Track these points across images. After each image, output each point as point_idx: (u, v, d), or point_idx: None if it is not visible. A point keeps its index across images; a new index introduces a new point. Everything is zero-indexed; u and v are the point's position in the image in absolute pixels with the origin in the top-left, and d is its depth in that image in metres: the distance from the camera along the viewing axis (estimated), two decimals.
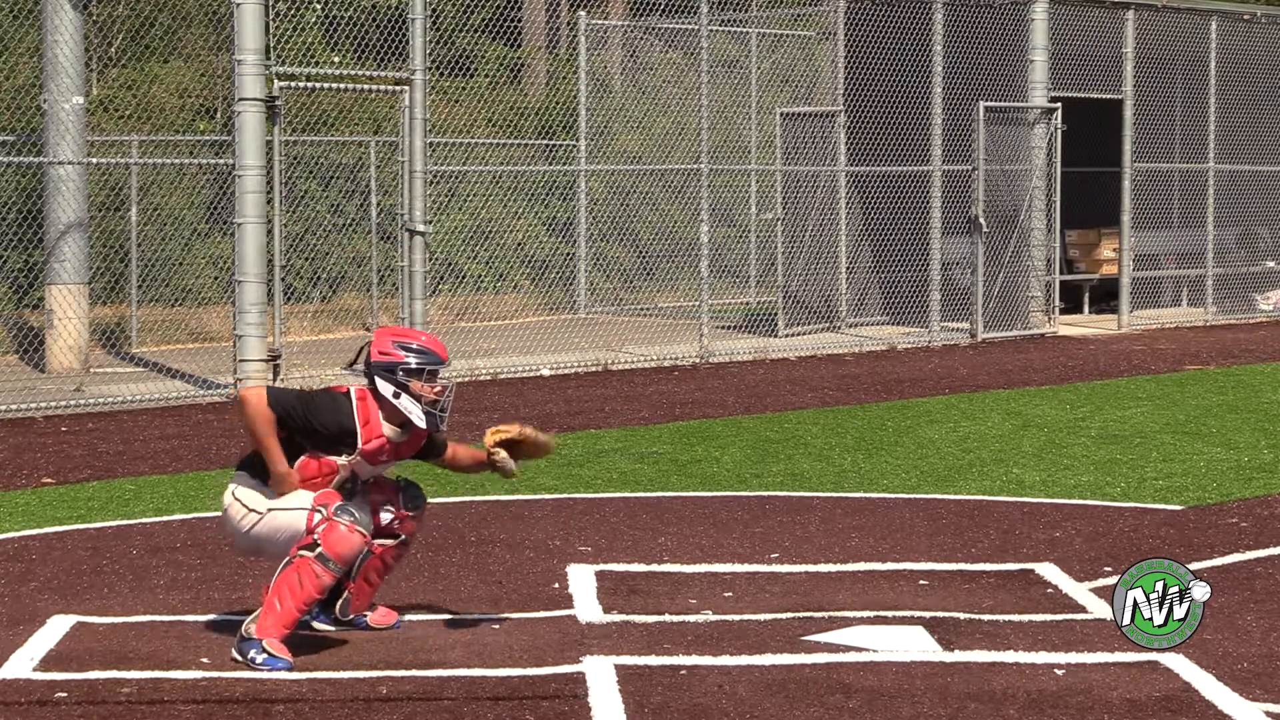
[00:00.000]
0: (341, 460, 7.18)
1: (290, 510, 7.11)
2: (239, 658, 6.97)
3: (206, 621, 7.61)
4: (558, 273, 22.56)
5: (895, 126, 20.24)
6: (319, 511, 7.06)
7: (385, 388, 7.19)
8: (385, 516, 7.37)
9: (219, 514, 7.41)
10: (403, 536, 7.47)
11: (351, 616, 7.46)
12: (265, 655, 6.92)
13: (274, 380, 15.17)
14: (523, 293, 22.28)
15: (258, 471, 7.18)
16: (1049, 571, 8.58)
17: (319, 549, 6.99)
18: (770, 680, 6.76)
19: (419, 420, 7.21)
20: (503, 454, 7.52)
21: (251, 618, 7.04)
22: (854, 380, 16.70)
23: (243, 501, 7.18)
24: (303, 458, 7.15)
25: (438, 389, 7.23)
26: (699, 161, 18.58)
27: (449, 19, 22.93)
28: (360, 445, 7.18)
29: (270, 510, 7.13)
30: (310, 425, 7.10)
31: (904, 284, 20.84)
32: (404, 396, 7.19)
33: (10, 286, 18.72)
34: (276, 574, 7.03)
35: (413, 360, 7.20)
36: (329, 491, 7.16)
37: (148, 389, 15.15)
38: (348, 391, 7.24)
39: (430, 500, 10.52)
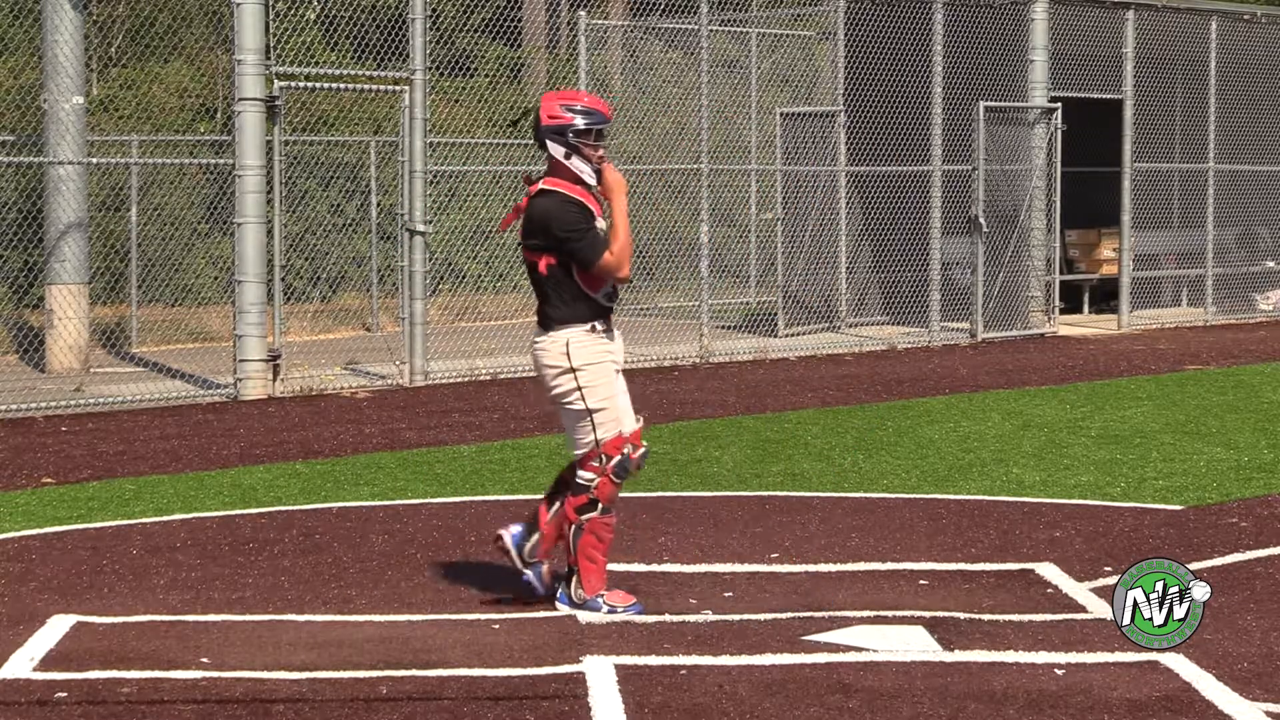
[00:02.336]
0: (600, 224, 7.64)
1: (596, 428, 7.56)
2: (595, 613, 7.58)
3: (206, 621, 7.61)
4: None
5: (895, 126, 20.24)
6: (601, 459, 7.55)
7: (557, 150, 7.58)
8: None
9: (537, 368, 7.71)
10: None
11: (539, 561, 7.84)
12: (621, 607, 7.61)
13: (274, 380, 15.18)
14: (523, 293, 22.27)
15: (595, 315, 7.59)
16: (1049, 571, 8.58)
17: (599, 505, 7.60)
18: (770, 680, 6.76)
19: (589, 178, 7.61)
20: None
21: (575, 584, 7.64)
22: (854, 380, 16.70)
23: (582, 387, 7.56)
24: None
25: (599, 151, 7.65)
26: (699, 161, 18.58)
27: (449, 19, 22.93)
28: (596, 212, 7.62)
29: (594, 411, 7.54)
30: (578, 231, 7.54)
31: (904, 284, 20.84)
32: (575, 157, 7.59)
33: (10, 286, 18.72)
34: (573, 541, 7.59)
35: (581, 121, 7.57)
36: (620, 438, 7.58)
37: (148, 389, 15.15)
38: (545, 191, 7.60)
39: (430, 500, 10.55)
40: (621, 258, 7.56)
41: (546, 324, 7.64)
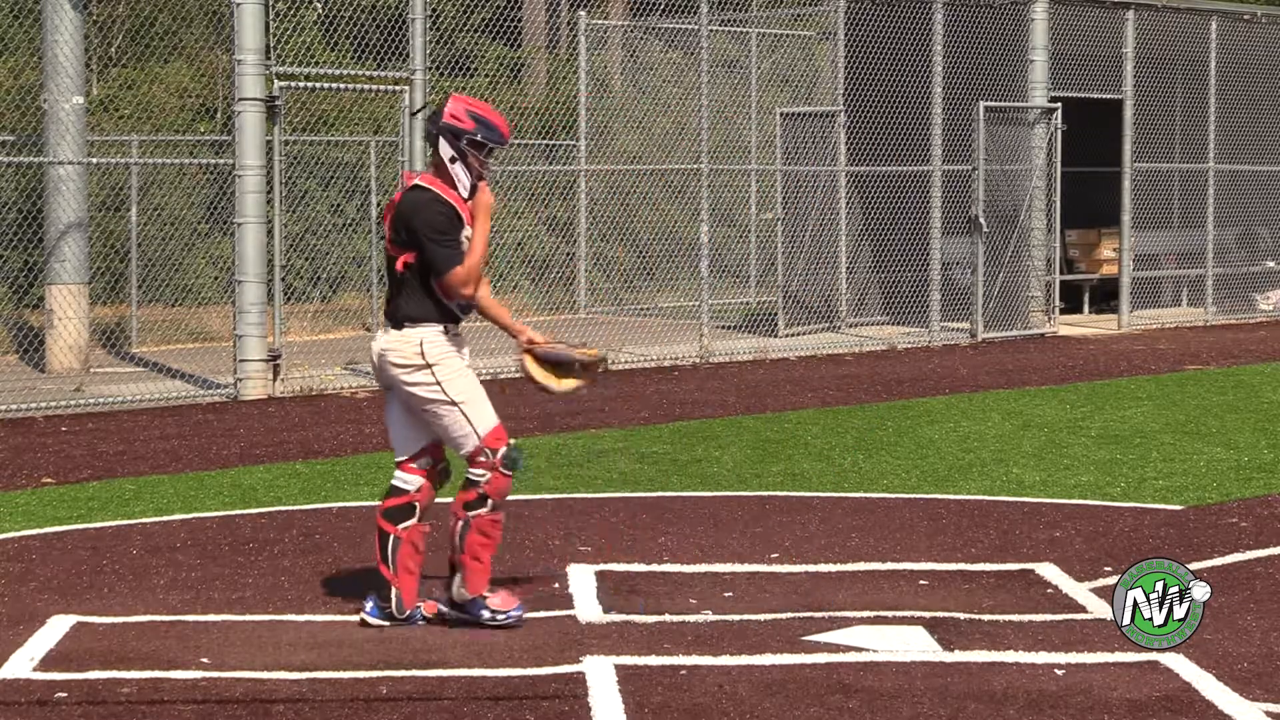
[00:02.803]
0: (465, 233, 7.43)
1: (472, 422, 7.38)
2: (469, 616, 7.41)
3: (206, 621, 7.61)
4: (558, 273, 22.56)
5: (895, 126, 20.24)
6: (486, 454, 7.38)
7: (445, 150, 7.43)
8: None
9: (379, 361, 7.46)
10: (442, 464, 7.69)
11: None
12: (502, 613, 7.43)
13: (274, 380, 15.18)
14: (522, 293, 22.28)
15: (446, 318, 7.42)
16: (1049, 571, 8.58)
17: (490, 501, 7.42)
18: (770, 680, 6.76)
19: (464, 190, 7.45)
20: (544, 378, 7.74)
21: (459, 583, 7.44)
22: (854, 380, 16.69)
23: (441, 381, 7.37)
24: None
25: (485, 171, 7.50)
26: (699, 161, 18.58)
27: (449, 19, 22.93)
28: (465, 219, 7.45)
29: (460, 404, 7.38)
30: (443, 232, 7.33)
31: (904, 284, 20.84)
32: (459, 164, 7.43)
33: (10, 286, 18.72)
34: (459, 539, 7.41)
35: (480, 133, 7.42)
36: (500, 428, 7.42)
37: (148, 389, 15.15)
38: (418, 187, 7.45)
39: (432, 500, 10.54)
40: (470, 275, 7.33)
41: (398, 322, 7.41)
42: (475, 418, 7.41)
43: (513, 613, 7.48)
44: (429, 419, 7.47)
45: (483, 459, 7.41)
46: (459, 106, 7.43)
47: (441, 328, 7.44)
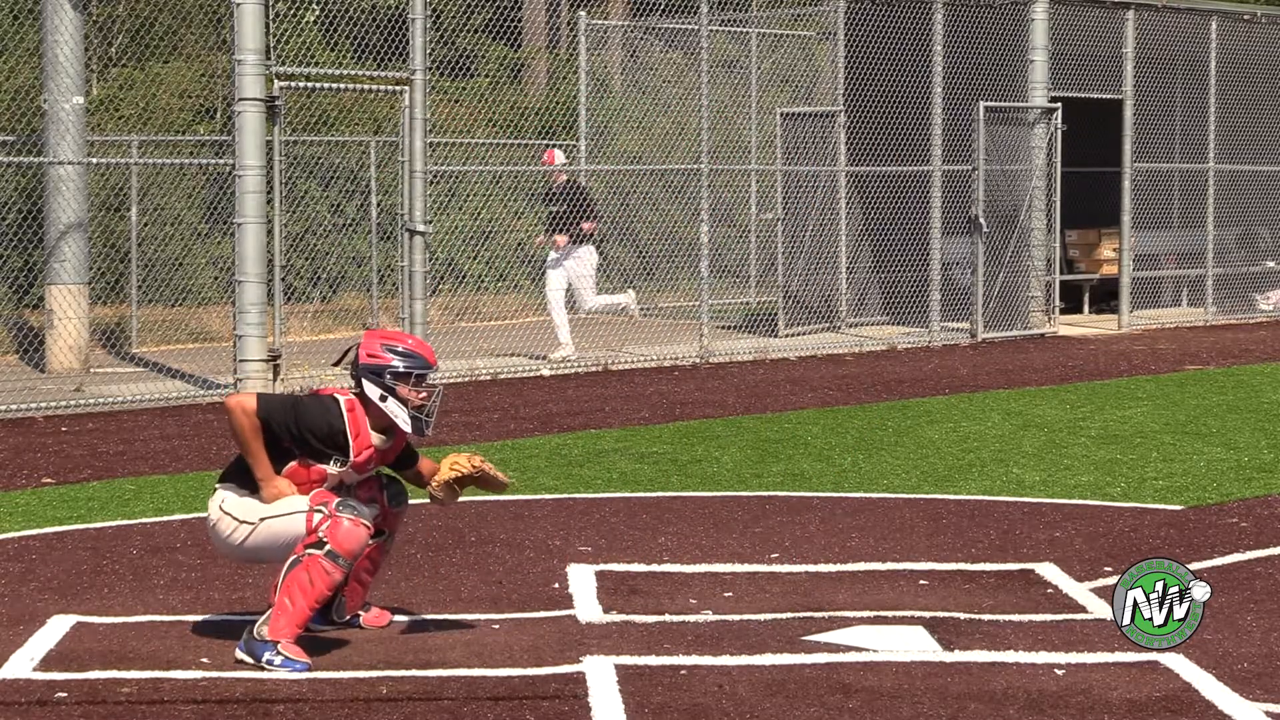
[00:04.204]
0: (332, 469, 7.11)
1: (286, 515, 7.03)
2: (248, 659, 6.91)
3: (206, 621, 7.61)
4: None
5: (895, 126, 20.24)
6: (319, 511, 7.00)
7: (372, 391, 7.11)
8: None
9: (207, 522, 7.26)
10: (386, 533, 7.43)
11: (347, 617, 7.45)
12: (282, 657, 6.86)
13: (274, 380, 15.18)
14: (523, 293, 22.28)
15: (245, 480, 7.09)
16: (1049, 571, 8.58)
17: (327, 546, 6.93)
18: (770, 680, 6.76)
19: (405, 425, 7.13)
20: (441, 493, 7.41)
21: (263, 619, 6.97)
22: (854, 380, 16.69)
23: (232, 514, 7.07)
24: (292, 464, 7.07)
25: (423, 394, 7.15)
26: (699, 161, 18.58)
27: (449, 19, 22.93)
28: (352, 458, 7.12)
29: (263, 520, 7.04)
30: (301, 434, 7.03)
31: (904, 284, 20.84)
32: (390, 400, 7.11)
33: (10, 286, 18.72)
34: (284, 574, 6.95)
35: (400, 364, 7.12)
36: (323, 491, 7.10)
37: (148, 389, 15.15)
38: (337, 400, 7.14)
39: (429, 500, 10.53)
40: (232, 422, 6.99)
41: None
42: (289, 507, 7.05)
43: (298, 665, 6.86)
44: (255, 553, 7.14)
45: (321, 514, 7.01)
46: (373, 343, 7.16)
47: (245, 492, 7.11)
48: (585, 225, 17.94)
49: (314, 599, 6.96)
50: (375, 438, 7.19)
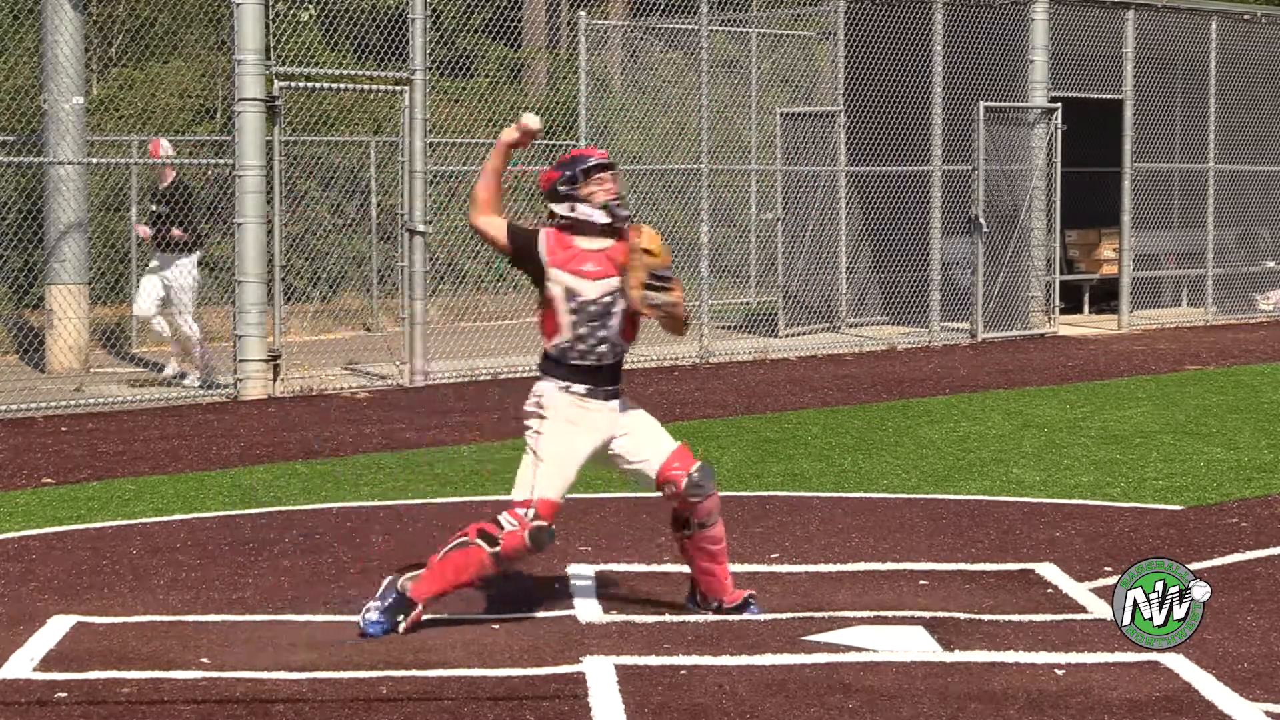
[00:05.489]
0: (553, 289, 7.40)
1: (536, 475, 7.32)
2: (374, 603, 7.31)
3: (206, 621, 7.61)
4: None
5: (895, 126, 20.24)
6: (527, 513, 7.28)
7: (560, 208, 7.47)
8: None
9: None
10: (694, 522, 7.66)
11: (716, 603, 7.74)
12: (396, 616, 7.29)
13: (274, 380, 15.17)
14: (523, 292, 22.27)
15: (569, 375, 7.39)
16: (1049, 571, 8.58)
17: (498, 548, 7.27)
18: (770, 680, 6.76)
19: (600, 217, 7.43)
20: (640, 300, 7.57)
21: (411, 574, 7.35)
22: (854, 380, 16.69)
23: (538, 428, 7.36)
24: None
25: (605, 185, 7.46)
26: (699, 161, 18.59)
27: (449, 19, 22.92)
28: (547, 260, 7.40)
29: (536, 455, 7.34)
30: (516, 256, 7.49)
31: (904, 284, 20.84)
32: (579, 206, 7.44)
33: (10, 286, 18.72)
34: (450, 546, 7.33)
35: (565, 171, 7.45)
36: (555, 506, 7.33)
37: (148, 389, 15.14)
38: (539, 230, 7.53)
39: (430, 500, 10.55)
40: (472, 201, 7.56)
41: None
42: (543, 477, 7.35)
43: (391, 628, 7.32)
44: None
45: (521, 514, 7.32)
46: (543, 174, 7.56)
47: (562, 385, 7.42)
48: (175, 232, 15.65)
49: (457, 583, 7.36)
50: (591, 243, 7.44)
